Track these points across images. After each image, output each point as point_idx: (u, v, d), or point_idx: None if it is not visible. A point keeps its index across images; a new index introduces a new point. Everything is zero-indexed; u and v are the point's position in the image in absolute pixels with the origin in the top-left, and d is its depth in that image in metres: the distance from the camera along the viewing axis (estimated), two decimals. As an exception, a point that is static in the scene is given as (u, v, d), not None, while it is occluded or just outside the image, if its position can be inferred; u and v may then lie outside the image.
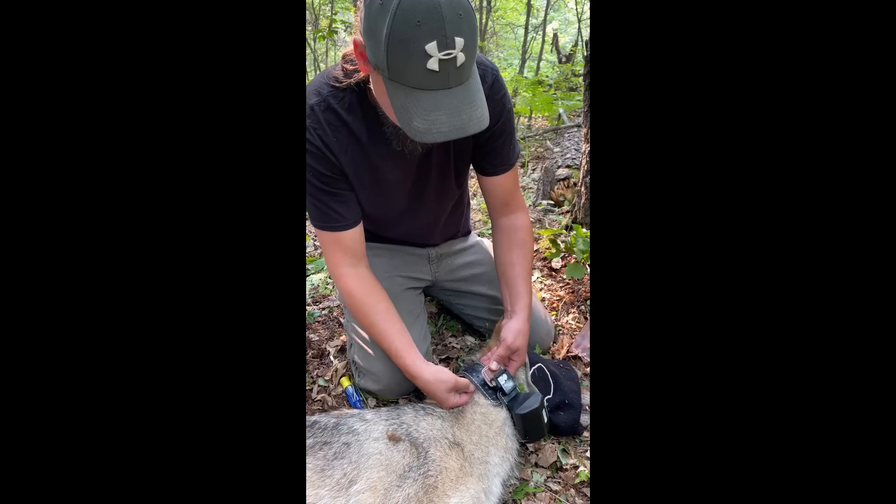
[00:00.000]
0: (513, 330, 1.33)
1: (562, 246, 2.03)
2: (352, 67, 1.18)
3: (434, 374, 1.27)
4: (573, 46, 7.80)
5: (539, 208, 2.83)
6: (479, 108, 1.00)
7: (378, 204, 1.34)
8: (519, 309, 1.36)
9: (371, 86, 1.13)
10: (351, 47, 1.17)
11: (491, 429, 1.22)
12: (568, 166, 2.99)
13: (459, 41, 0.91)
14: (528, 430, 1.24)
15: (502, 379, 1.28)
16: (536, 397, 1.25)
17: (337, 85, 1.19)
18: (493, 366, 1.31)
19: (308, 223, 1.39)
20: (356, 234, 1.31)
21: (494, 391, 1.29)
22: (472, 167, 1.41)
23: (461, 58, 0.93)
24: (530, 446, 1.32)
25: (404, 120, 0.98)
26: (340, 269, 1.32)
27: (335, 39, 5.25)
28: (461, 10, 0.91)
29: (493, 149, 1.31)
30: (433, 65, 0.92)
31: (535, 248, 2.24)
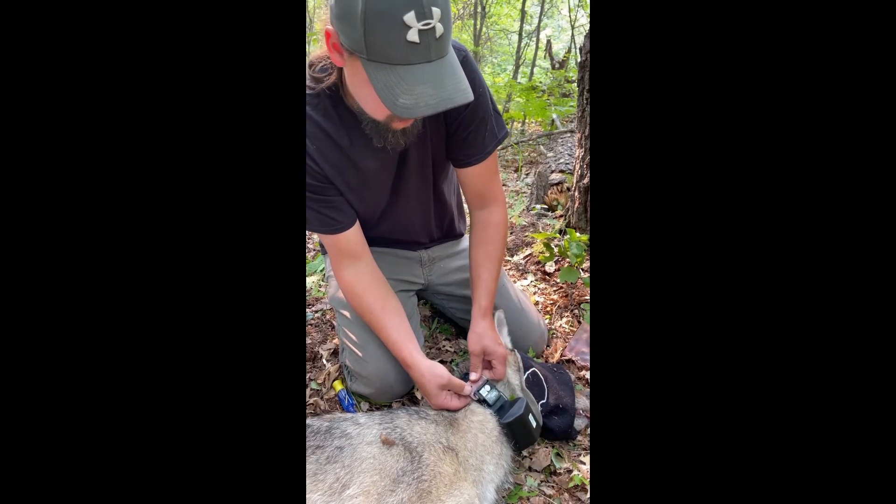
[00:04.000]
0: (471, 338, 1.36)
1: (555, 250, 2.03)
2: (320, 75, 1.16)
3: (429, 368, 1.28)
4: (566, 53, 7.85)
5: (533, 213, 2.83)
6: (463, 80, 0.99)
7: (364, 202, 1.34)
8: (475, 313, 1.38)
9: (346, 81, 1.10)
10: (315, 55, 1.16)
11: (489, 438, 1.21)
12: (561, 171, 2.99)
13: (436, 11, 0.90)
14: (516, 437, 1.24)
15: (484, 390, 1.28)
16: (521, 404, 1.23)
17: (309, 93, 1.18)
18: (473, 376, 1.31)
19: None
20: (353, 234, 1.32)
21: (480, 403, 1.28)
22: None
23: (440, 28, 0.92)
24: (524, 450, 1.32)
25: (389, 99, 0.94)
26: (340, 271, 1.34)
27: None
28: None
29: (466, 136, 1.28)
30: (413, 36, 0.90)
31: (529, 252, 2.24)
